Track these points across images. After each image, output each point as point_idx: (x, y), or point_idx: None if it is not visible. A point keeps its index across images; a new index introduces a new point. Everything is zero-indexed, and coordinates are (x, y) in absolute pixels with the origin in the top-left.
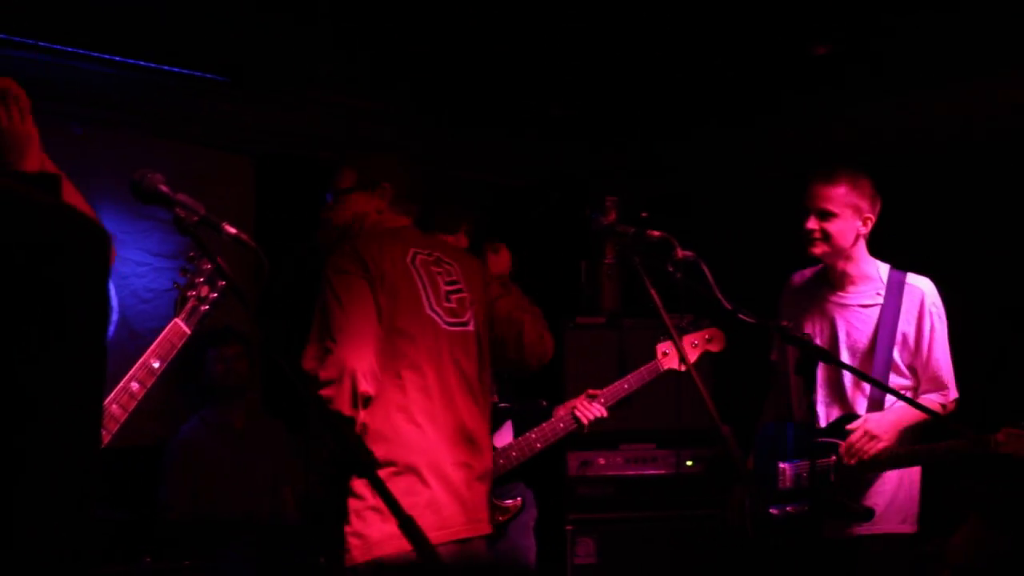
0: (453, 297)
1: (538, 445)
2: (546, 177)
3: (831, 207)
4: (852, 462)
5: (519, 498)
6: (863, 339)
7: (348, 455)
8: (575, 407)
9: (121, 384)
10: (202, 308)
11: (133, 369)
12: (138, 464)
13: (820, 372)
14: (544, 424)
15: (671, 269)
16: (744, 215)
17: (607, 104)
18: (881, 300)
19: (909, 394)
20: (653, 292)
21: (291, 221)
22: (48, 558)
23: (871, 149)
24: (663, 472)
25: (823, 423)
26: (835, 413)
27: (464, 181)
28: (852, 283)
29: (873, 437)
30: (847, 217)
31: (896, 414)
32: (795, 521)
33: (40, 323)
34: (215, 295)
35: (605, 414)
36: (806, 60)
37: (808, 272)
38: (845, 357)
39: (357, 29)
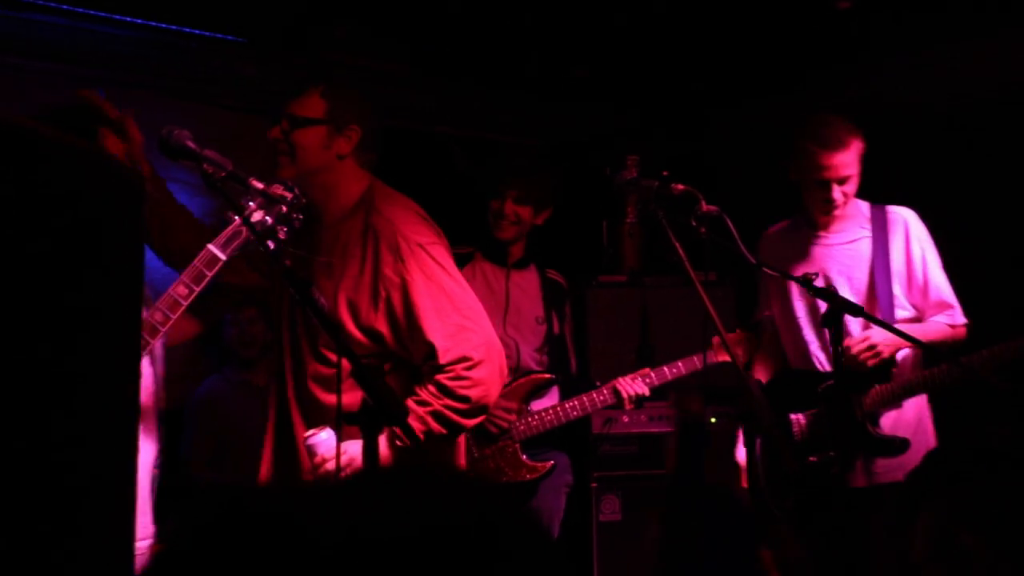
0: None
1: (574, 413)
2: (567, 138)
3: (851, 171)
4: (858, 365)
5: (551, 462)
6: (859, 275)
7: (381, 405)
8: (618, 382)
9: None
10: (245, 234)
11: (162, 298)
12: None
13: (809, 316)
14: (584, 395)
15: (695, 224)
16: (766, 179)
17: (630, 66)
18: (868, 233)
19: (914, 326)
20: (678, 245)
21: None
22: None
23: (894, 113)
24: None
25: (822, 368)
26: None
27: (486, 142)
28: (837, 221)
29: (872, 347)
30: (858, 168)
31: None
32: (819, 470)
33: (77, 271)
34: (269, 221)
35: (647, 392)
36: (831, 20)
37: (783, 223)
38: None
39: None
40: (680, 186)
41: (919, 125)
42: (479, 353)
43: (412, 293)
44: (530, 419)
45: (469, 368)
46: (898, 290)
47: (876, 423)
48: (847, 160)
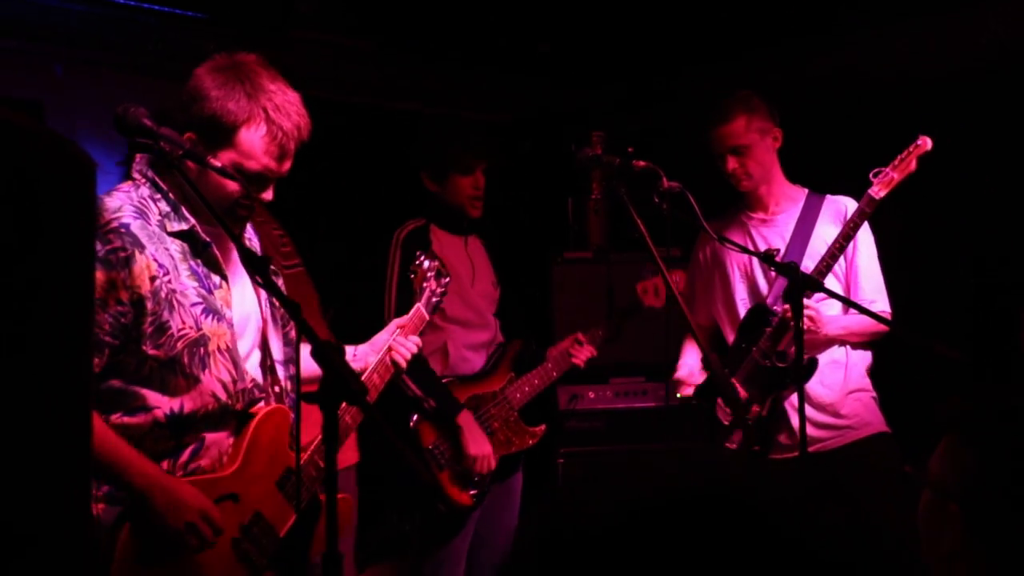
0: None
1: (554, 372)
2: (532, 113)
3: (741, 141)
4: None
5: (543, 424)
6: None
7: (340, 383)
8: (570, 352)
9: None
10: (433, 299)
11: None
12: None
13: (743, 281)
14: (551, 353)
15: (657, 200)
16: None
17: (594, 40)
18: (795, 216)
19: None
20: (639, 221)
21: None
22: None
23: (854, 84)
24: (653, 405)
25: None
26: None
27: (451, 118)
28: (775, 203)
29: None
30: (758, 143)
31: (849, 321)
32: (755, 434)
33: (17, 253)
34: (442, 290)
35: (596, 353)
36: None
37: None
38: (762, 277)
39: None
40: (641, 163)
41: (890, 99)
42: None
43: None
44: (523, 386)
45: None
46: (811, 270)
47: (784, 358)
48: (731, 131)
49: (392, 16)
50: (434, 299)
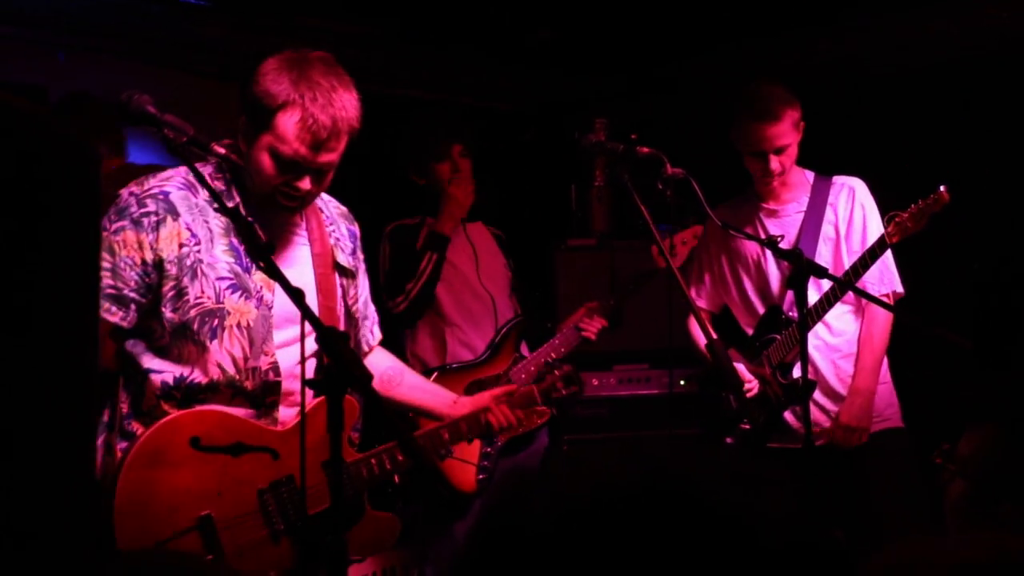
0: None
1: (563, 349)
2: (535, 101)
3: (788, 141)
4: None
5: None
6: (787, 242)
7: (344, 370)
8: (580, 326)
9: None
10: (552, 395)
11: None
12: None
13: (756, 271)
14: (559, 332)
15: (661, 186)
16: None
17: (596, 29)
18: (806, 204)
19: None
20: (642, 206)
21: None
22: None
23: (856, 73)
24: (656, 392)
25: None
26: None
27: (452, 106)
28: (787, 190)
29: (852, 430)
30: (795, 137)
31: (862, 396)
32: (751, 437)
33: (17, 239)
34: (559, 395)
35: (607, 323)
36: None
37: (734, 199)
38: (773, 265)
39: None
40: (645, 149)
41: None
42: None
43: None
44: (529, 365)
45: None
46: (826, 255)
47: (786, 375)
48: (780, 131)
49: (394, 4)
50: (553, 394)
